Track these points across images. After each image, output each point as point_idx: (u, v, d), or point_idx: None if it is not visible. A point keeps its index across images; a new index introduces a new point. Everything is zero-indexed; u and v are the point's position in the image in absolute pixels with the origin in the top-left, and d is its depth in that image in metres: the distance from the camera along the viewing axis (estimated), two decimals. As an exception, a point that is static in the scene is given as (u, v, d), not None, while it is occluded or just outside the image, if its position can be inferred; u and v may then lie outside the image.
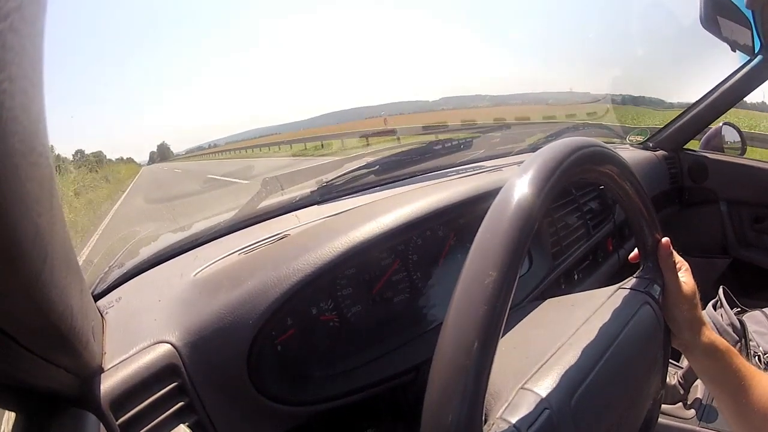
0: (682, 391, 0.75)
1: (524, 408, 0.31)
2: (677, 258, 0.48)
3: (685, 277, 0.47)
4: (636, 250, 0.50)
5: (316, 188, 0.85)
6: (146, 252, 0.69)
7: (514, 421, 0.30)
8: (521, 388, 0.33)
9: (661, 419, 0.74)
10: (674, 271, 0.47)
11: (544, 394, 0.32)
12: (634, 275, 0.48)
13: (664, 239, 0.48)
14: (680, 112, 1.53)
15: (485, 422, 0.31)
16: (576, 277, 0.92)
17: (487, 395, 0.28)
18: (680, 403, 0.76)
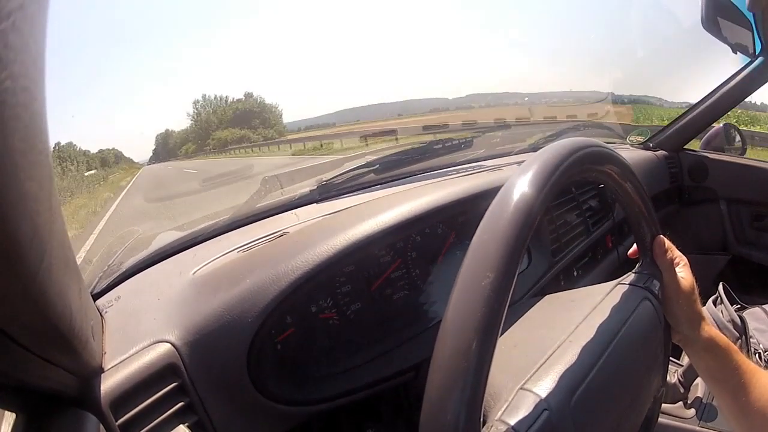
0: (682, 390, 0.75)
1: (523, 409, 0.31)
2: (675, 253, 0.48)
3: (684, 272, 0.47)
4: (635, 246, 0.50)
5: (315, 187, 0.85)
6: (145, 251, 0.69)
7: (513, 423, 0.30)
8: (520, 388, 0.33)
9: (661, 419, 0.74)
10: (671, 267, 0.46)
11: (543, 394, 0.32)
12: (633, 270, 0.48)
13: (659, 236, 0.48)
14: (681, 113, 1.53)
15: (484, 424, 0.31)
16: (575, 273, 0.92)
17: (486, 396, 0.27)
18: (680, 403, 0.76)
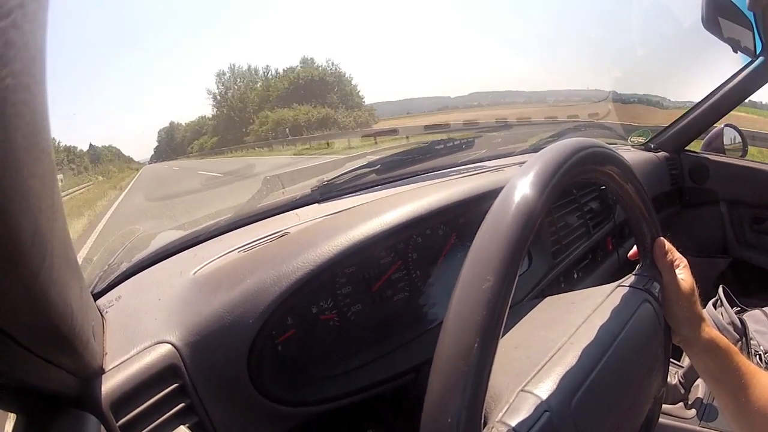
0: (682, 391, 0.75)
1: (524, 411, 0.31)
2: (675, 254, 0.48)
3: (684, 274, 0.47)
4: (635, 248, 0.50)
5: (316, 187, 0.85)
6: (145, 250, 0.69)
7: (513, 424, 0.30)
8: (521, 390, 0.33)
9: (662, 419, 0.74)
10: (671, 269, 0.46)
11: (544, 396, 0.32)
12: (633, 273, 0.48)
13: (659, 238, 0.48)
14: (682, 114, 1.53)
15: (485, 425, 0.31)
16: (576, 275, 0.92)
17: (487, 397, 0.27)
18: (681, 403, 0.76)
